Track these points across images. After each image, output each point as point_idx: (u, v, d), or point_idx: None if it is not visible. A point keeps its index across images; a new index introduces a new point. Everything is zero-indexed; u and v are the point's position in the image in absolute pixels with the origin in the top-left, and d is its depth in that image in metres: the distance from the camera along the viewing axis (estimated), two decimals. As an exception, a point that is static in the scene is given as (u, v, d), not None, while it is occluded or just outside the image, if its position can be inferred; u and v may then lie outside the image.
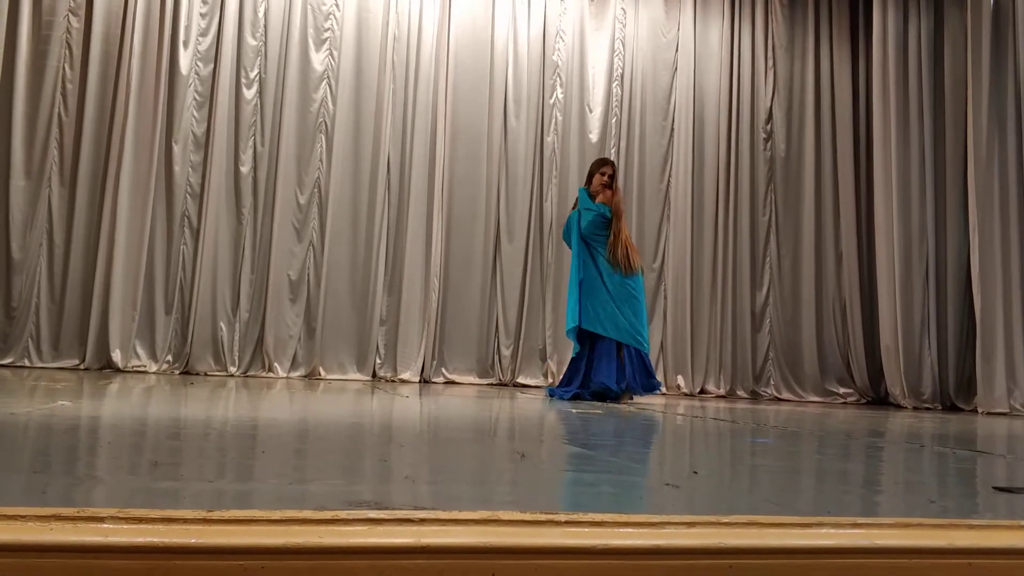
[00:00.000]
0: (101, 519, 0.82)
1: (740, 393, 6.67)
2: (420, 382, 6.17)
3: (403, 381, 6.11)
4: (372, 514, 0.93)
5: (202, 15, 6.12)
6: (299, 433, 2.26)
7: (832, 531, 1.06)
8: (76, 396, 3.11)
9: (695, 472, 1.63)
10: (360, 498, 1.12)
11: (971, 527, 1.09)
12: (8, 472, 1.30)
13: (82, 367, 5.64)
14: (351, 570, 0.88)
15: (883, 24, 6.58)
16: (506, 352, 6.46)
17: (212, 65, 6.08)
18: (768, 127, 7.04)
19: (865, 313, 6.79)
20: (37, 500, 0.98)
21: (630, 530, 0.99)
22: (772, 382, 6.76)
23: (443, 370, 6.34)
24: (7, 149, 5.72)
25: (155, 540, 0.82)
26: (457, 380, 6.33)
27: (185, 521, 0.85)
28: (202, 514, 0.86)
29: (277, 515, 0.89)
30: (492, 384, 6.38)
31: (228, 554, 0.83)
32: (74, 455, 1.59)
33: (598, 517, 0.99)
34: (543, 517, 0.97)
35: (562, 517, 0.98)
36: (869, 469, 2.06)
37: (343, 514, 0.92)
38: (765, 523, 1.04)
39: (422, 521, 0.93)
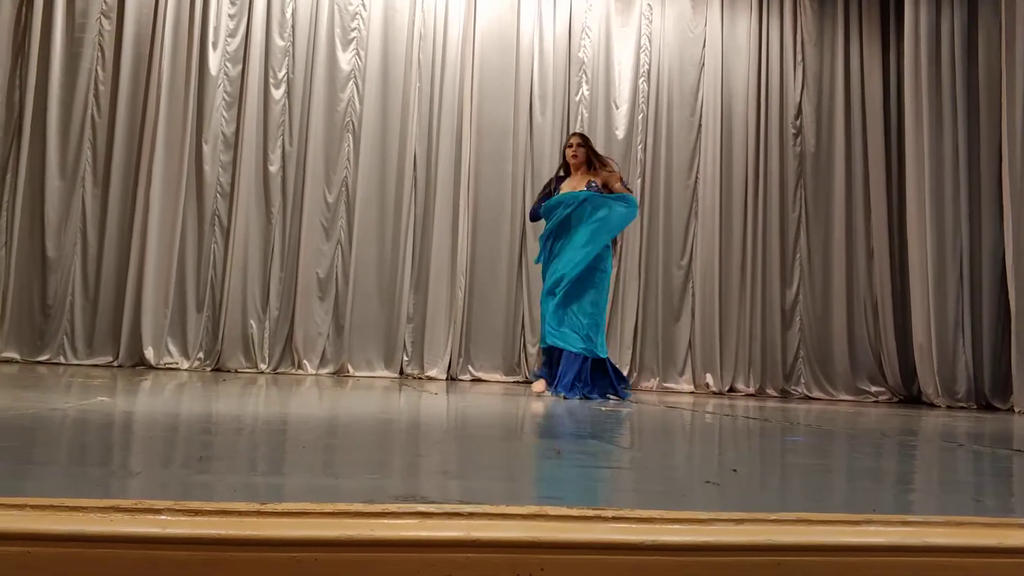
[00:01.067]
0: (158, 511, 0.84)
1: (770, 391, 6.62)
2: (447, 379, 6.19)
3: (430, 378, 6.13)
4: (422, 507, 0.93)
5: (230, 16, 6.17)
6: (336, 429, 2.27)
7: (881, 528, 1.05)
8: (114, 392, 3.15)
9: (734, 470, 1.62)
10: (404, 492, 1.13)
11: (1023, 526, 1.07)
12: (60, 465, 1.32)
13: (115, 364, 5.71)
14: (403, 563, 0.88)
15: (915, 18, 6.50)
16: (532, 350, 6.45)
17: (241, 66, 6.13)
18: (797, 122, 6.98)
19: (897, 310, 6.72)
20: (92, 492, 1.00)
21: (678, 526, 0.98)
22: (802, 380, 6.70)
23: (470, 368, 6.35)
24: (42, 150, 5.81)
25: (211, 532, 0.83)
26: (484, 378, 6.34)
27: (240, 513, 0.86)
28: (256, 507, 0.87)
29: (329, 508, 0.89)
30: (519, 382, 6.37)
31: (282, 546, 0.84)
32: (120, 449, 1.61)
33: (645, 513, 0.99)
34: (591, 512, 0.98)
35: (609, 513, 0.98)
36: (909, 468, 2.04)
37: (393, 507, 0.92)
38: (814, 520, 1.04)
39: (471, 515, 0.94)
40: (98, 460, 1.45)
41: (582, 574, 0.94)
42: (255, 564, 0.83)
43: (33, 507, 0.82)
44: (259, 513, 0.86)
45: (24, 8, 5.87)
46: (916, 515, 1.07)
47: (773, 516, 1.03)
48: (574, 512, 0.97)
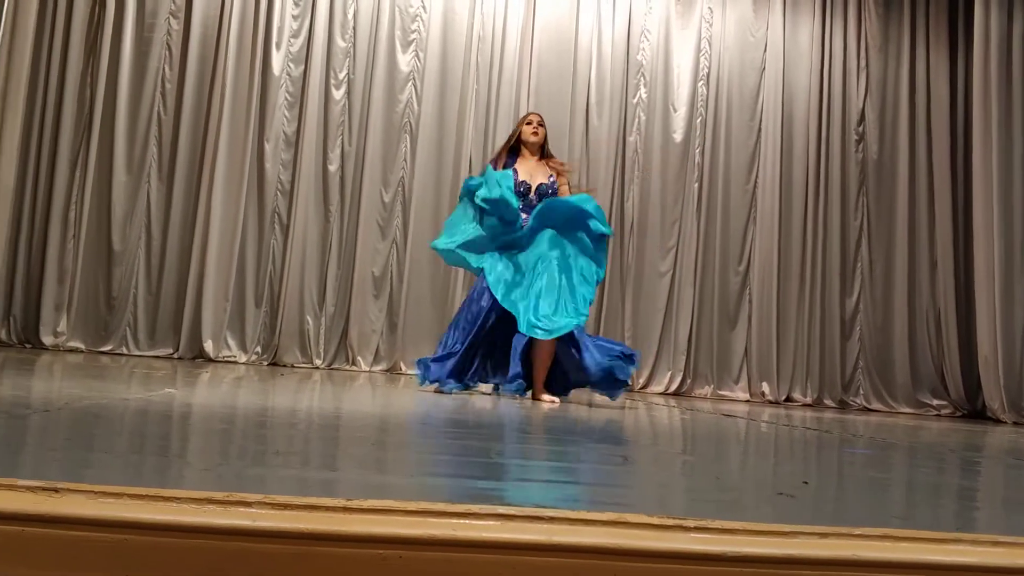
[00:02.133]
0: (249, 504, 0.85)
1: (827, 402, 6.49)
2: (498, 381, 6.18)
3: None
4: (503, 510, 0.93)
5: (294, 17, 6.27)
6: (401, 427, 2.29)
7: (970, 548, 1.02)
8: (179, 384, 3.22)
9: (805, 482, 1.59)
10: (480, 493, 1.13)
11: (1120, 549, 1.03)
12: (141, 456, 1.35)
13: (175, 356, 5.83)
14: (484, 564, 0.88)
15: (985, 23, 6.32)
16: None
17: (303, 66, 6.22)
18: (860, 129, 6.85)
19: (961, 322, 6.54)
20: (181, 483, 1.02)
21: (760, 538, 0.97)
22: (861, 392, 6.56)
23: (521, 370, 6.34)
24: (110, 146, 5.96)
25: (300, 526, 0.84)
26: (535, 380, 6.32)
27: (327, 509, 0.87)
28: (342, 502, 0.88)
29: (412, 506, 0.90)
30: (570, 385, 6.35)
31: (368, 543, 0.85)
32: (197, 442, 1.64)
33: (727, 524, 0.98)
34: (671, 522, 0.97)
35: (691, 523, 0.97)
36: (983, 485, 1.98)
37: (475, 508, 0.93)
38: (899, 537, 1.01)
39: (552, 519, 0.93)
40: (181, 452, 1.48)
41: (663, 583, 0.93)
42: (342, 559, 0.84)
43: (130, 496, 0.84)
44: (345, 509, 0.87)
45: (96, 8, 6.04)
46: (1008, 536, 1.04)
47: (857, 531, 1.01)
48: (655, 521, 0.96)
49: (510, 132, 4.82)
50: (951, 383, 6.47)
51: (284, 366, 5.88)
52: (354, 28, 6.32)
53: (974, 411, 6.38)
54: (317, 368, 5.93)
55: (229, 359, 5.87)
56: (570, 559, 0.92)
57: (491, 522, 0.91)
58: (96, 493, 0.85)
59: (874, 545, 0.99)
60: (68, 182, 5.91)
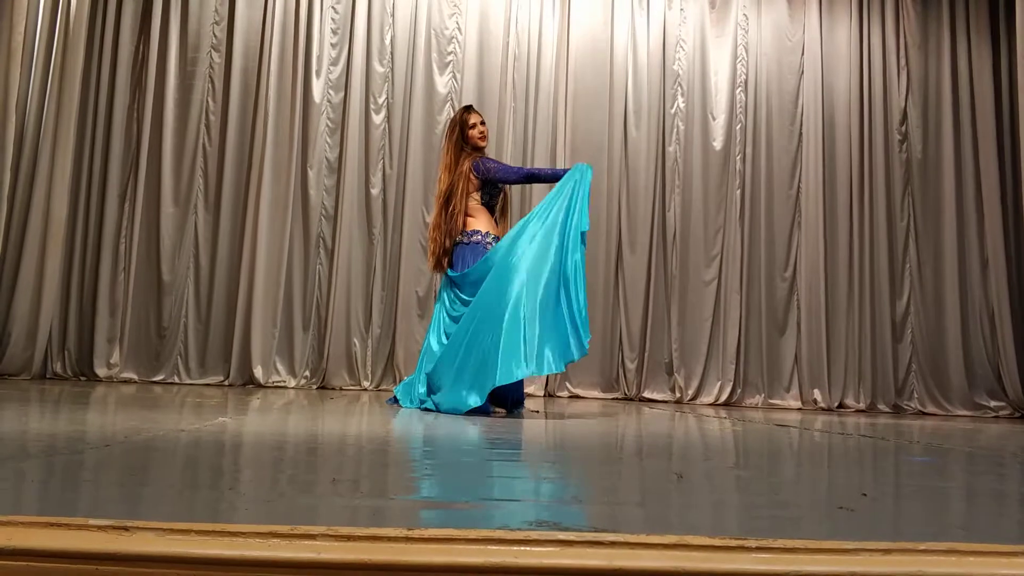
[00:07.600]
0: (313, 536, 0.86)
1: (881, 407, 6.38)
2: (544, 396, 6.19)
3: (528, 395, 6.13)
4: (563, 535, 0.93)
5: (332, 45, 6.37)
6: (455, 450, 2.30)
7: (1040, 561, 1.00)
8: (233, 413, 3.27)
9: (864, 494, 1.57)
10: (537, 517, 1.13)
11: None
12: (203, 489, 1.38)
13: (226, 383, 5.92)
14: (547, 591, 0.89)
15: (1028, 15, 6.20)
16: (631, 366, 6.41)
17: (343, 93, 6.32)
18: (903, 128, 6.75)
19: (1016, 320, 6.40)
20: (244, 516, 1.04)
21: (823, 556, 0.96)
22: (915, 395, 6.44)
23: (567, 384, 6.34)
24: (157, 178, 6.10)
25: (364, 558, 0.85)
26: (582, 394, 6.31)
27: (389, 539, 0.88)
28: (404, 532, 0.89)
29: (473, 534, 0.91)
30: (617, 399, 6.33)
31: (431, 572, 0.86)
32: (253, 473, 1.67)
33: (789, 543, 0.97)
34: (733, 543, 0.96)
35: (752, 543, 0.96)
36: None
37: (535, 534, 0.93)
38: (965, 551, 1.00)
39: (612, 544, 0.93)
40: (233, 484, 1.50)
41: (726, 605, 0.92)
42: (406, 590, 0.85)
43: (198, 532, 0.86)
44: (407, 539, 0.88)
45: (141, 45, 6.20)
46: (1079, 547, 1.02)
47: (922, 546, 0.99)
48: (716, 542, 0.95)
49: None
50: (1008, 383, 6.32)
51: (333, 389, 5.94)
52: (391, 53, 6.40)
53: (1034, 411, 6.22)
54: (365, 390, 5.99)
55: (279, 384, 5.95)
56: (632, 583, 0.92)
57: (551, 548, 0.92)
58: (164, 530, 0.87)
59: (940, 560, 0.98)
60: (118, 215, 6.06)
